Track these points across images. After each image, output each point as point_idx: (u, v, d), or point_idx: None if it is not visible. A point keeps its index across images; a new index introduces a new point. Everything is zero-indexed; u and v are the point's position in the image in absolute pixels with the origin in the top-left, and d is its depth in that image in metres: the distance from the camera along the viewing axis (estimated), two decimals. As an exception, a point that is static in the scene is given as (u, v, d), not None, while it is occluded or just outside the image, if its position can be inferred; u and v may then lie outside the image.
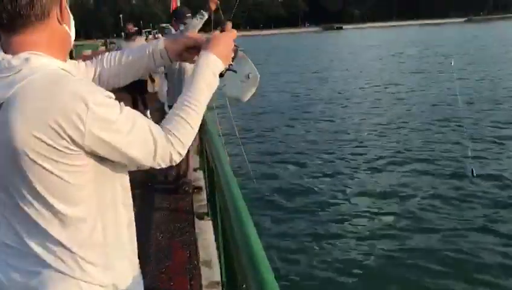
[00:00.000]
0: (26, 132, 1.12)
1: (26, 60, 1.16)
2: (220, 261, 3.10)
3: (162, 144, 1.28)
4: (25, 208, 1.21)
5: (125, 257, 1.39)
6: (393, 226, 7.20)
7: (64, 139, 1.13)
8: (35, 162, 1.15)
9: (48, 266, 1.24)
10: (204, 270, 3.52)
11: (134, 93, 9.03)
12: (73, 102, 1.13)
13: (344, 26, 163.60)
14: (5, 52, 1.19)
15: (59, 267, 1.25)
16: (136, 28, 8.51)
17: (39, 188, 1.19)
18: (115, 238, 1.34)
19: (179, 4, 11.38)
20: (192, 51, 1.60)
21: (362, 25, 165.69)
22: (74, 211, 1.23)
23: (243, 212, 1.69)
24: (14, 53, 1.17)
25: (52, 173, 1.17)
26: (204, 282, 3.37)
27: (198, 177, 5.74)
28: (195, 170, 6.08)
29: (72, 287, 1.26)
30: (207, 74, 1.41)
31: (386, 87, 21.54)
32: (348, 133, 13.33)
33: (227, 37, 1.51)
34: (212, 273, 3.47)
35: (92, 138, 1.15)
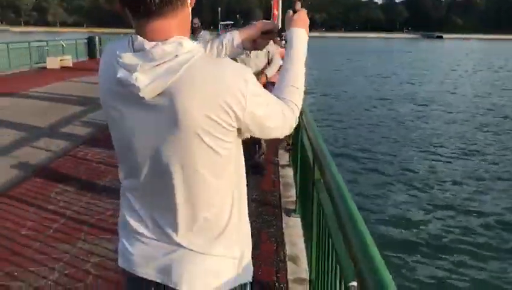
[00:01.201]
0: (198, 114, 1.18)
1: (180, 44, 1.19)
2: (310, 259, 3.10)
3: (288, 112, 1.38)
4: (177, 186, 1.27)
5: (246, 227, 1.46)
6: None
7: (230, 116, 1.21)
8: (202, 141, 1.21)
9: (186, 245, 1.31)
10: (290, 266, 3.54)
11: None
12: (237, 80, 1.20)
13: (445, 36, 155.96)
14: (146, 39, 1.20)
15: (195, 245, 1.31)
16: (200, 23, 8.68)
17: (199, 165, 1.24)
18: (243, 210, 1.42)
19: (280, 8, 11.36)
20: (265, 36, 1.67)
21: (465, 36, 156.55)
22: (223, 187, 1.31)
23: (353, 209, 1.67)
24: (160, 39, 1.19)
25: (213, 149, 1.23)
26: (290, 277, 3.39)
27: (287, 175, 5.77)
28: (283, 166, 6.14)
29: (208, 262, 1.33)
30: (302, 48, 1.54)
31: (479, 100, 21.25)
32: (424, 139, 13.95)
33: (306, 15, 1.62)
34: (299, 269, 3.48)
35: (248, 112, 1.23)
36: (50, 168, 5.91)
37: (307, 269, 3.41)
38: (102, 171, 5.72)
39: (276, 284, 3.30)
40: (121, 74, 1.20)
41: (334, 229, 2.11)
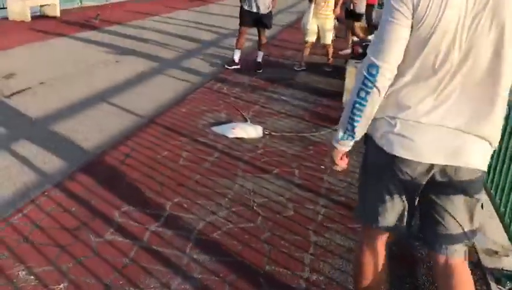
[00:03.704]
0: None
1: None
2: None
3: None
4: (497, 81, 1.57)
5: None
6: None
7: None
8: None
9: (478, 133, 1.63)
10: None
11: None
12: None
13: None
14: None
15: (485, 133, 1.63)
16: None
17: (507, 60, 1.55)
18: None
19: None
20: None
21: None
22: None
23: None
24: None
25: None
26: (478, 247, 3.02)
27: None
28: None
29: (488, 147, 1.67)
30: None
31: None
32: None
33: None
34: (483, 239, 3.10)
35: None
36: (191, 99, 5.85)
37: (497, 241, 3.04)
38: (241, 107, 5.55)
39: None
40: None
41: None
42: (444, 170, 1.65)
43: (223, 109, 5.44)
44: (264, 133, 4.69)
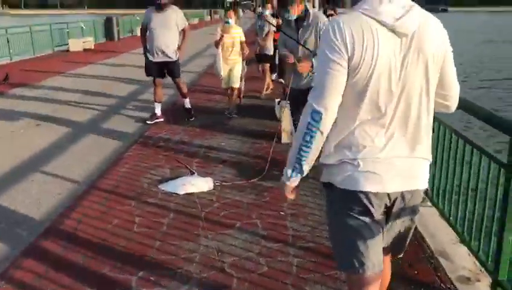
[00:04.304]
0: (440, 46, 1.76)
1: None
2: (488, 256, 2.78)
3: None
4: (425, 110, 1.79)
5: None
6: None
7: (443, 55, 1.79)
8: (436, 67, 1.76)
9: (425, 156, 1.86)
10: (444, 262, 3.22)
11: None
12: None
13: (450, 9, 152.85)
14: None
15: (427, 154, 1.88)
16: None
17: (432, 89, 1.79)
18: None
19: None
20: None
21: (473, 8, 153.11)
22: None
23: None
24: None
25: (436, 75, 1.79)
26: (451, 275, 3.07)
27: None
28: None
29: (428, 166, 1.90)
30: None
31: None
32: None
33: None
34: (455, 267, 3.17)
35: (449, 57, 1.83)
36: (127, 157, 5.58)
37: (467, 266, 3.13)
38: (184, 159, 5.38)
39: (442, 285, 2.99)
40: (389, 20, 1.68)
41: None
42: (403, 195, 1.84)
43: (165, 164, 5.24)
44: (214, 184, 4.56)
